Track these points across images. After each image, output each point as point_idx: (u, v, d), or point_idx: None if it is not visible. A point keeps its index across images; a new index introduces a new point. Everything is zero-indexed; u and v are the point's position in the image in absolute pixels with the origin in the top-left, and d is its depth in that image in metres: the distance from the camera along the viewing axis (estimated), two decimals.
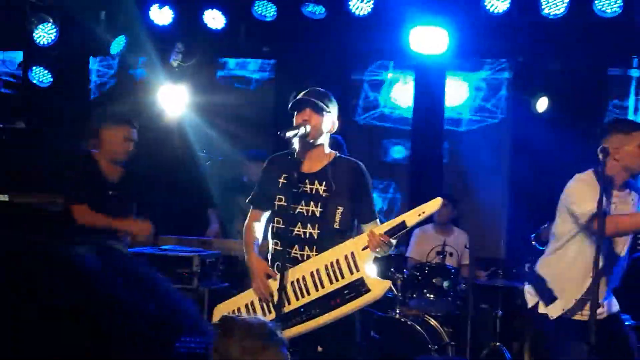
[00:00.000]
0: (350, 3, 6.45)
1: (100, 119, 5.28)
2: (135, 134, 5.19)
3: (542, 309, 4.28)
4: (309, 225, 3.90)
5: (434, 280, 6.13)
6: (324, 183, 3.94)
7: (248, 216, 4.18)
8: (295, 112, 3.97)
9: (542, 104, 7.00)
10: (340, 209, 3.90)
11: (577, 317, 4.20)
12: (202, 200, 7.35)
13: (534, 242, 5.82)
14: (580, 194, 4.17)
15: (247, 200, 4.20)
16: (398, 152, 8.27)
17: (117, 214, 5.04)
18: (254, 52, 7.88)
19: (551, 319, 4.23)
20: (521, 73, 7.49)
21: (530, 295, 4.37)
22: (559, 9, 6.13)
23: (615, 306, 4.33)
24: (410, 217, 3.78)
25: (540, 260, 4.43)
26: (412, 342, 5.88)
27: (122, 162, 5.18)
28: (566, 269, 4.24)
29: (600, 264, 4.10)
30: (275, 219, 3.96)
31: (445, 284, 6.07)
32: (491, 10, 6.20)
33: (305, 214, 3.92)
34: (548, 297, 4.27)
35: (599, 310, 4.19)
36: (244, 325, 2.32)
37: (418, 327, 5.87)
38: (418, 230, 6.79)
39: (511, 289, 6.31)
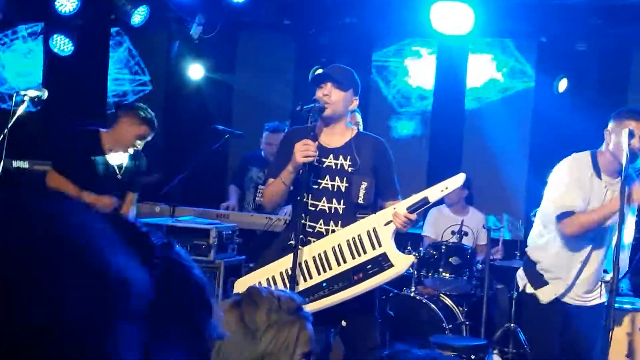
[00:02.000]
0: None
1: (127, 107, 5.33)
2: (150, 134, 5.18)
3: (529, 290, 4.33)
4: (334, 200, 3.91)
5: (450, 260, 6.13)
6: (348, 158, 3.94)
7: (266, 187, 4.18)
8: (316, 87, 3.97)
9: (562, 85, 6.97)
10: (365, 184, 3.90)
11: (567, 300, 4.26)
12: (220, 174, 7.37)
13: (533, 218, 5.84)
14: (567, 184, 4.17)
15: (265, 172, 4.20)
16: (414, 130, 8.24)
17: (109, 193, 5.09)
18: (274, 26, 7.84)
19: (542, 302, 4.27)
20: (544, 53, 7.44)
21: (519, 279, 4.41)
22: None
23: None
24: (433, 193, 3.79)
25: (531, 243, 4.44)
26: (426, 320, 5.90)
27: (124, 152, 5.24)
28: (556, 255, 4.25)
29: (595, 251, 4.15)
30: (299, 193, 3.97)
31: (455, 260, 6.10)
32: None
33: (330, 189, 3.92)
34: (537, 280, 4.29)
35: (591, 295, 4.28)
36: (271, 297, 2.31)
37: (433, 306, 5.89)
38: (434, 209, 6.78)
39: None
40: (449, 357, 1.73)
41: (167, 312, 0.79)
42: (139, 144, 5.16)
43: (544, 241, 4.31)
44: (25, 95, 4.93)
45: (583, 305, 4.31)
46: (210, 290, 0.89)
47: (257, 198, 6.51)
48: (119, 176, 5.26)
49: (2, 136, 4.75)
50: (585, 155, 4.23)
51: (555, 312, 4.27)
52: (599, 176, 4.18)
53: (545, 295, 4.28)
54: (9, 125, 4.79)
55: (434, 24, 6.44)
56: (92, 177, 5.12)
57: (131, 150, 5.18)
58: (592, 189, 4.16)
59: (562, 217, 4.14)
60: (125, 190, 5.34)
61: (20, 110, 4.86)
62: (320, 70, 4.03)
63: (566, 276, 4.23)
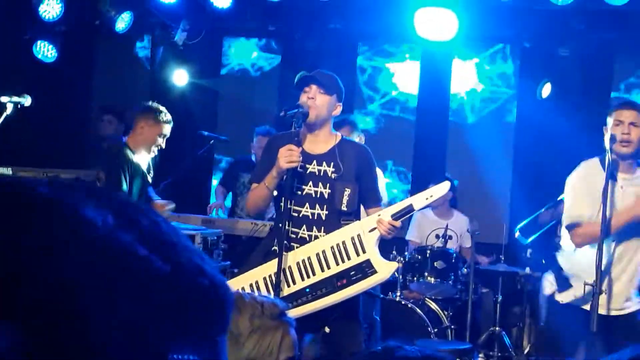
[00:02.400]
0: None
1: (142, 110, 5.37)
2: (169, 130, 5.30)
3: (557, 297, 4.31)
4: (317, 206, 3.92)
5: (435, 264, 6.15)
6: (332, 164, 3.95)
7: (250, 192, 4.19)
8: (301, 91, 3.98)
9: (546, 90, 7.01)
10: (348, 191, 3.91)
11: (586, 307, 4.12)
12: (205, 179, 7.36)
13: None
14: (576, 193, 4.17)
15: (249, 179, 4.21)
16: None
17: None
18: (259, 32, 7.85)
19: (561, 303, 4.26)
20: (527, 59, 7.48)
21: (549, 283, 4.39)
22: None
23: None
24: (418, 200, 3.81)
25: (560, 249, 4.44)
26: (412, 324, 5.91)
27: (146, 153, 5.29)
28: (579, 258, 4.23)
29: (622, 257, 4.12)
30: (282, 199, 3.98)
31: (440, 264, 6.12)
32: None
33: (313, 195, 3.93)
34: (563, 284, 4.28)
35: (626, 304, 4.18)
36: (254, 303, 2.30)
37: (418, 310, 5.90)
38: (418, 212, 6.78)
39: (512, 274, 6.33)
40: (443, 353, 1.74)
41: None
42: (162, 142, 5.27)
43: (567, 246, 4.31)
44: (8, 102, 4.91)
45: (618, 315, 4.19)
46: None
47: None
48: (149, 178, 5.35)
49: None
50: (594, 160, 4.20)
51: (580, 317, 4.12)
52: (614, 177, 4.13)
53: (565, 297, 4.25)
54: None
55: (418, 30, 6.46)
56: (143, 185, 5.23)
57: (155, 150, 5.29)
58: (599, 189, 4.06)
59: (570, 227, 4.16)
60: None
61: (3, 117, 4.84)
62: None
63: (588, 278, 4.07)
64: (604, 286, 4.07)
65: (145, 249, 0.65)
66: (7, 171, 5.87)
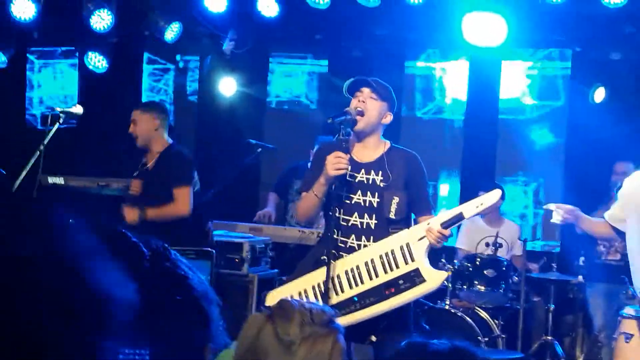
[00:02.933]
0: None
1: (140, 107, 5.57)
2: (137, 115, 5.41)
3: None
4: (366, 215, 3.89)
5: (485, 272, 6.07)
6: (380, 173, 3.93)
7: (299, 200, 4.19)
8: (352, 96, 3.96)
9: (599, 95, 6.87)
10: (396, 199, 3.88)
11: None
12: (253, 188, 7.39)
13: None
14: (620, 195, 4.26)
15: (299, 188, 4.20)
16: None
17: (147, 200, 5.19)
18: (306, 41, 7.87)
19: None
20: (579, 63, 7.35)
21: None
22: None
23: None
24: (469, 209, 3.76)
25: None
26: (462, 333, 5.83)
27: (144, 148, 5.42)
28: (633, 261, 4.22)
29: None
30: (331, 207, 3.95)
31: (490, 272, 6.04)
32: None
33: (362, 204, 3.91)
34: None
35: None
36: (303, 310, 2.29)
37: (468, 319, 5.83)
38: (467, 220, 6.71)
39: (564, 283, 6.23)
40: (472, 347, 1.74)
41: (159, 319, 0.79)
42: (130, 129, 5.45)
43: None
44: (61, 112, 5.00)
45: None
46: (210, 299, 0.89)
47: None
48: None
49: (38, 152, 4.81)
50: None
51: None
52: None
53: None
54: (45, 142, 4.86)
55: (466, 36, 6.40)
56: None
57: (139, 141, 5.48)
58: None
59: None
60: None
61: (56, 127, 4.93)
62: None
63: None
64: None
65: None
66: (60, 180, 5.98)
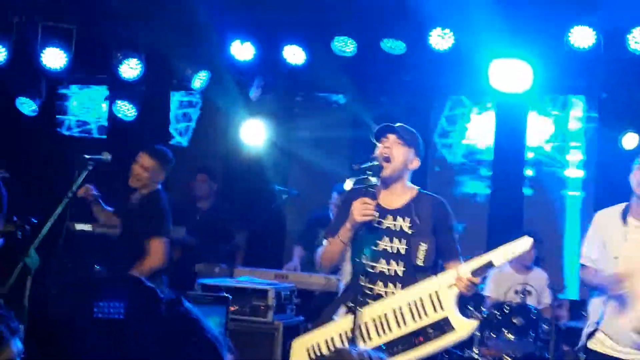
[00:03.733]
0: (430, 38, 6.43)
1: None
2: (150, 162, 5.50)
3: (588, 345, 4.41)
4: (392, 262, 3.86)
5: (514, 320, 5.98)
6: (408, 220, 3.90)
7: (324, 247, 4.16)
8: (378, 142, 3.96)
9: (629, 141, 6.80)
10: (424, 246, 3.85)
11: (606, 350, 4.28)
12: (278, 232, 7.40)
13: None
14: (588, 232, 4.45)
15: (324, 233, 4.18)
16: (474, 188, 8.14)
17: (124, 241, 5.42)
18: (333, 87, 7.92)
19: (590, 350, 4.38)
20: (606, 109, 7.32)
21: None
22: None
23: None
24: (498, 257, 3.72)
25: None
26: None
27: (134, 188, 5.57)
28: (596, 302, 4.37)
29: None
30: (357, 254, 3.92)
31: (519, 320, 5.96)
32: (575, 45, 6.10)
33: (389, 250, 3.88)
34: (592, 332, 4.38)
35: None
36: (363, 357, 2.26)
37: None
38: (496, 267, 6.63)
39: None
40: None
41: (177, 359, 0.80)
42: (135, 172, 5.57)
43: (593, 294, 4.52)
44: (89, 158, 5.04)
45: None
46: (222, 344, 0.89)
47: None
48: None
49: (66, 199, 4.84)
50: (619, 205, 4.40)
51: None
52: (625, 222, 4.29)
53: (593, 343, 4.39)
54: (74, 189, 4.89)
55: (492, 82, 6.41)
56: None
57: (134, 183, 5.59)
58: (611, 236, 4.30)
59: (580, 267, 4.48)
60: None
61: (85, 174, 4.97)
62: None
63: (605, 322, 4.28)
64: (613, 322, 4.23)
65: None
66: (88, 227, 6.03)
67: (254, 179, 8.02)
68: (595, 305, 4.40)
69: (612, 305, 4.25)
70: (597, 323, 4.32)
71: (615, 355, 4.25)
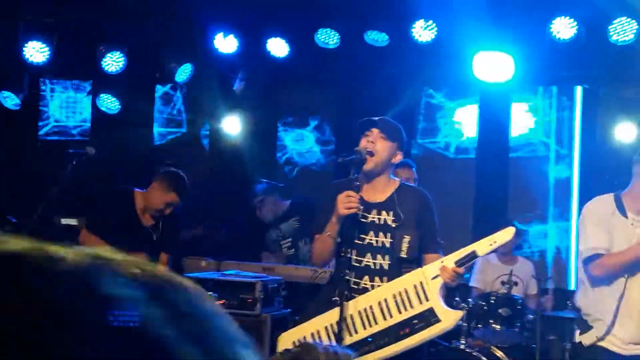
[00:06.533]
0: (413, 30, 6.44)
1: (162, 172, 5.43)
2: (178, 201, 5.28)
3: (577, 338, 4.32)
4: (378, 256, 3.87)
5: (500, 311, 6.01)
6: (391, 213, 3.91)
7: (313, 243, 4.15)
8: (362, 135, 3.96)
9: (623, 132, 6.87)
10: (407, 238, 3.86)
11: (606, 344, 4.18)
12: (263, 225, 7.38)
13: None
14: (586, 226, 4.23)
15: (312, 229, 4.16)
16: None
17: (143, 252, 5.15)
18: (316, 80, 7.91)
19: (585, 346, 4.24)
20: (588, 100, 7.36)
21: (575, 326, 4.42)
22: (627, 36, 6.02)
23: None
24: (482, 247, 3.73)
25: (577, 292, 4.48)
26: None
27: (156, 216, 5.32)
28: (593, 297, 4.25)
29: (631, 284, 4.11)
30: (343, 248, 3.93)
31: (505, 310, 5.99)
32: (557, 37, 6.13)
33: (375, 244, 3.88)
34: (583, 326, 4.29)
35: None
36: (329, 354, 2.26)
37: (484, 358, 5.76)
38: (481, 258, 6.67)
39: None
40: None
41: None
42: (168, 210, 5.25)
43: (583, 286, 4.35)
44: (73, 153, 5.02)
45: (636, 354, 4.19)
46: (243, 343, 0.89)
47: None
48: (154, 237, 5.33)
49: (50, 194, 4.82)
50: (608, 196, 4.29)
51: (605, 357, 4.19)
52: (624, 214, 4.19)
53: (587, 339, 4.25)
54: (59, 184, 4.87)
55: (476, 73, 6.44)
56: (126, 236, 5.17)
57: (155, 217, 5.28)
58: (615, 227, 4.18)
59: (588, 261, 4.20)
60: (159, 250, 5.39)
61: (69, 168, 4.95)
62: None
63: (605, 316, 4.17)
64: (621, 324, 4.11)
65: (176, 332, 0.63)
66: (73, 222, 6.01)
67: (236, 171, 8.01)
68: (601, 304, 4.20)
69: (626, 303, 4.10)
70: (611, 325, 4.14)
71: (618, 352, 4.17)
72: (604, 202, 4.27)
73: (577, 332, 4.35)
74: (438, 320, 3.70)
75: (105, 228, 5.15)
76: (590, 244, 4.19)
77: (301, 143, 8.32)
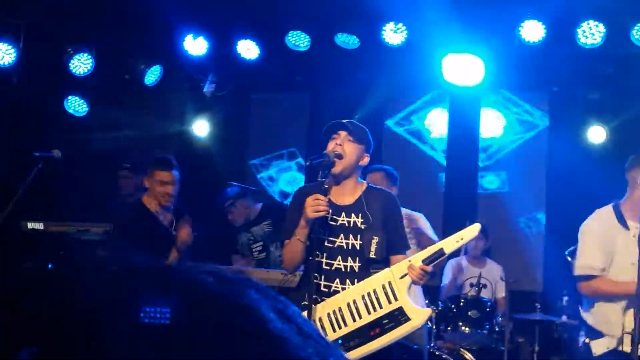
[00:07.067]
0: (383, 33, 6.45)
1: (147, 169, 5.41)
2: (173, 176, 5.22)
3: (591, 347, 4.24)
4: (349, 258, 3.85)
5: (469, 313, 6.03)
6: (360, 215, 3.90)
7: (283, 249, 4.10)
8: (329, 139, 3.94)
9: (595, 134, 6.93)
10: (376, 239, 3.85)
11: (619, 348, 4.13)
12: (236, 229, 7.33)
13: (569, 259, 5.75)
14: (584, 241, 4.21)
15: (281, 236, 4.12)
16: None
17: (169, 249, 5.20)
18: (287, 83, 7.90)
19: (594, 355, 4.16)
20: (557, 103, 7.42)
21: (581, 335, 4.35)
22: (595, 39, 6.09)
23: None
24: (449, 244, 3.74)
25: (582, 304, 4.42)
26: None
27: (168, 207, 5.28)
28: (597, 312, 4.21)
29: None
30: (313, 252, 3.88)
31: (474, 313, 6.00)
32: (526, 40, 6.17)
33: (345, 247, 3.86)
34: (593, 333, 4.24)
35: None
36: None
37: None
38: (452, 260, 6.71)
39: (549, 323, 6.19)
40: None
41: None
42: (167, 190, 5.19)
43: (586, 301, 4.32)
44: (39, 156, 4.94)
45: None
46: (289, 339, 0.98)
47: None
48: (173, 231, 5.30)
49: (15, 198, 4.74)
50: (608, 209, 4.24)
51: None
52: (625, 225, 4.16)
53: (597, 347, 4.21)
54: (25, 187, 4.79)
55: (445, 76, 6.46)
56: (155, 241, 5.19)
57: (165, 201, 5.22)
58: (616, 241, 4.15)
59: (580, 278, 4.22)
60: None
61: (34, 171, 4.87)
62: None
63: (614, 331, 4.14)
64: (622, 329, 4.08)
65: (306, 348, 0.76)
66: (39, 226, 5.89)
67: (206, 174, 7.96)
68: (606, 316, 4.17)
69: (629, 318, 4.03)
70: (620, 341, 4.10)
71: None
72: (603, 217, 4.23)
73: (584, 338, 4.28)
74: (408, 319, 3.69)
75: (133, 241, 5.12)
76: (586, 261, 4.19)
77: None
